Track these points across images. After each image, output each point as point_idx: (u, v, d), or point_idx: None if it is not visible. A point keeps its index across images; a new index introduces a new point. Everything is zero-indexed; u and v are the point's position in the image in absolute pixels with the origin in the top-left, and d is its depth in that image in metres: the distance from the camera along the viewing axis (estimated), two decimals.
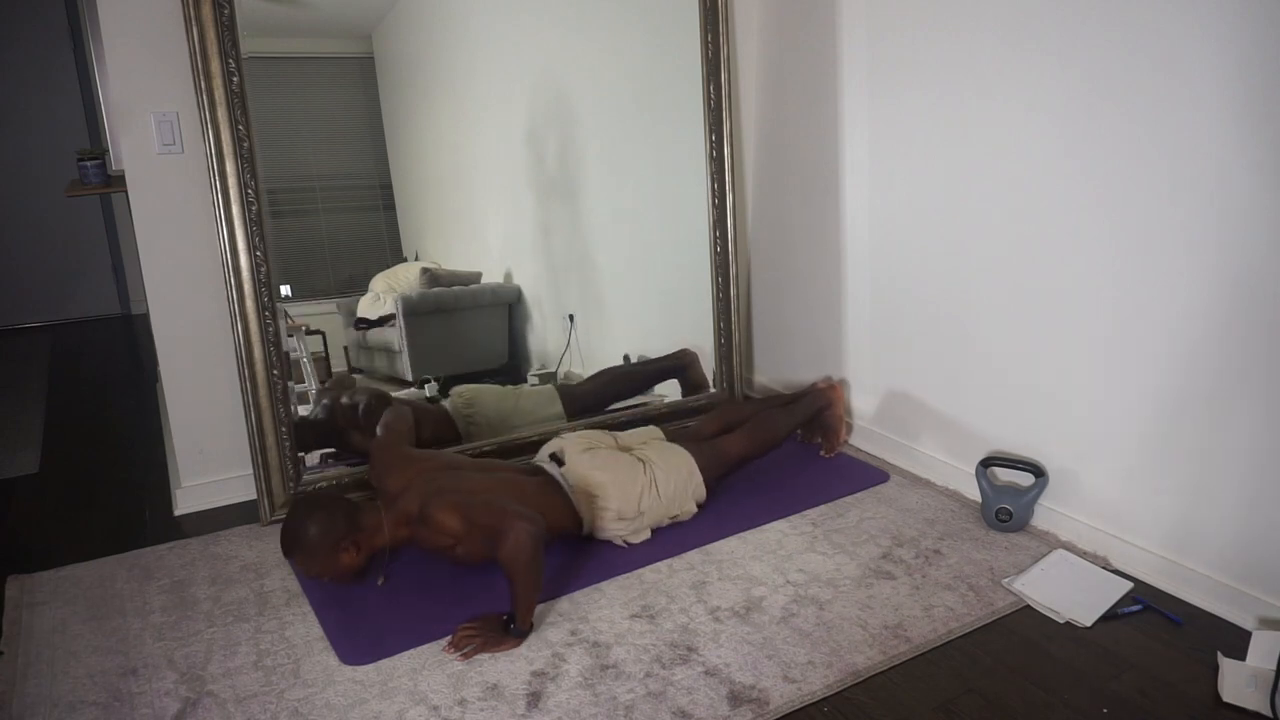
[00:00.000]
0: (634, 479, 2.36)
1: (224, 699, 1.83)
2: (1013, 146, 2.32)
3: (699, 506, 2.49)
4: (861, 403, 2.96)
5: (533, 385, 3.06)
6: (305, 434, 2.61)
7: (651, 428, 2.66)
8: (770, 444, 2.66)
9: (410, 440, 2.40)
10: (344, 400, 2.74)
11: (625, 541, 2.37)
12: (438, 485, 2.14)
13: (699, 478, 2.46)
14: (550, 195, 3.09)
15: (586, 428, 2.76)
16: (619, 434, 2.57)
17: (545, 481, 2.33)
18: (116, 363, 4.40)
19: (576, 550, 2.35)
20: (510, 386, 3.01)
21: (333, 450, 2.71)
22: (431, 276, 2.93)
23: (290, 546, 2.10)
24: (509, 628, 1.97)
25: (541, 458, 2.45)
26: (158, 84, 2.39)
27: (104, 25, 2.32)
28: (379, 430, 2.40)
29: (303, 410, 2.65)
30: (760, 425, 2.66)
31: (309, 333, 2.75)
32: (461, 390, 2.89)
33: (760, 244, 3.29)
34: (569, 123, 3.05)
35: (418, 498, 2.12)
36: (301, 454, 2.58)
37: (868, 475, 2.76)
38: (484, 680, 1.86)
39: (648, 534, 2.40)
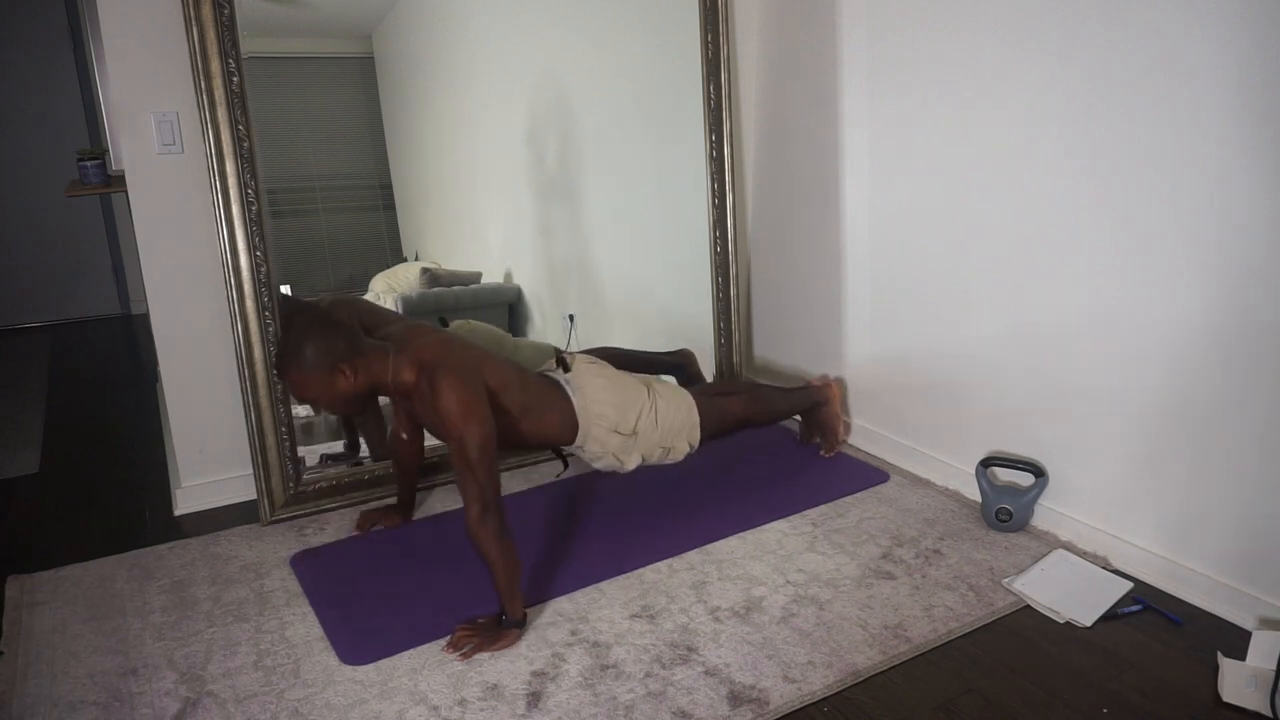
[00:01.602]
0: (636, 398, 2.34)
1: (224, 699, 1.83)
2: (1013, 147, 2.32)
3: (692, 449, 2.46)
4: (861, 402, 2.96)
5: (532, 340, 3.05)
6: (287, 308, 2.52)
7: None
8: (765, 414, 2.67)
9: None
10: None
11: (617, 460, 2.32)
12: (465, 356, 2.06)
13: (697, 419, 2.44)
14: (550, 195, 3.09)
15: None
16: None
17: (548, 381, 2.30)
18: (116, 363, 4.40)
19: (577, 550, 2.35)
20: (509, 335, 3.01)
21: (334, 453, 2.71)
22: (431, 276, 2.93)
23: (287, 365, 1.98)
24: (503, 622, 1.97)
25: (547, 366, 2.40)
26: (158, 84, 2.39)
27: (104, 25, 2.32)
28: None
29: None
30: (758, 395, 2.68)
31: None
32: (462, 322, 2.88)
33: (760, 244, 3.29)
34: (569, 123, 3.05)
35: (436, 350, 2.04)
36: (300, 454, 2.58)
37: (868, 475, 2.76)
38: (484, 680, 1.86)
39: (639, 459, 2.36)
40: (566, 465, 2.57)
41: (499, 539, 1.92)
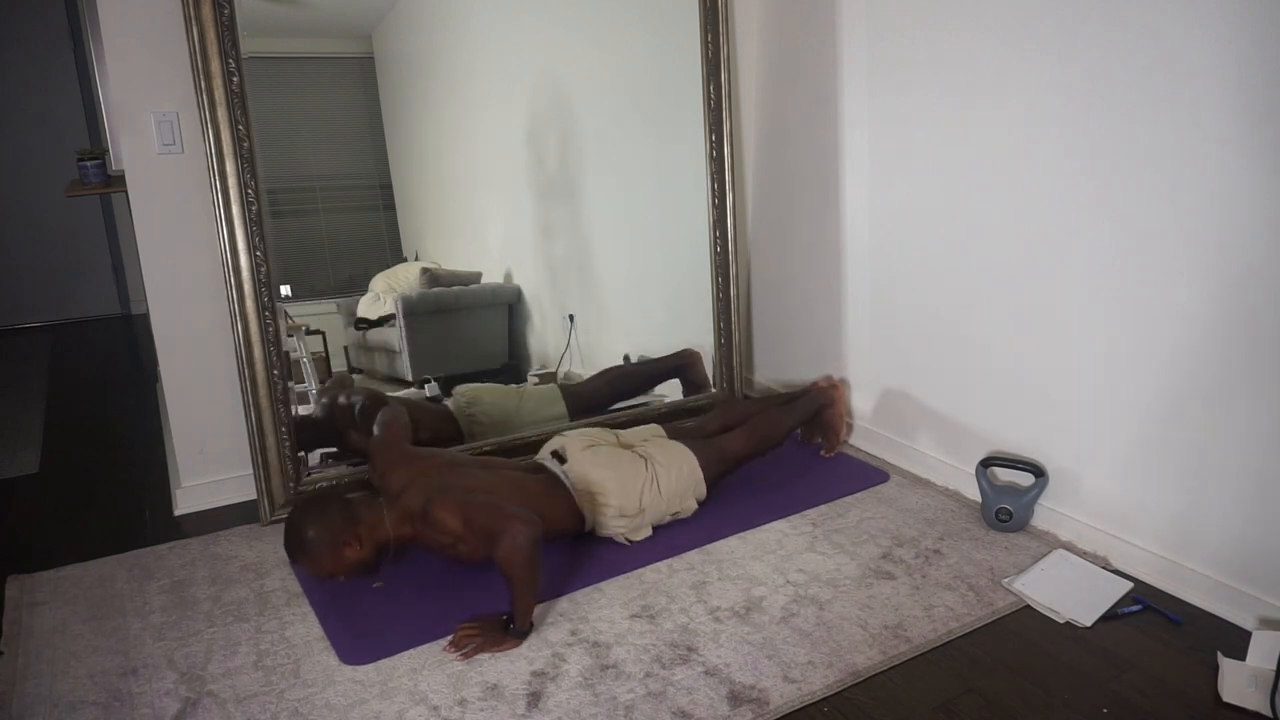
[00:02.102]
0: (635, 476, 2.36)
1: (224, 699, 1.83)
2: (1013, 146, 2.32)
3: (699, 503, 2.49)
4: (861, 402, 2.96)
5: (534, 385, 3.06)
6: (304, 432, 2.61)
7: (653, 425, 2.66)
8: (771, 442, 2.66)
9: (408, 439, 2.40)
10: (342, 400, 2.74)
11: (627, 539, 2.37)
12: (440, 483, 2.14)
13: (700, 475, 2.46)
14: (550, 195, 3.09)
15: (588, 426, 2.76)
16: (620, 432, 2.57)
17: (548, 479, 2.33)
18: (116, 363, 4.40)
19: (576, 550, 2.35)
20: (513, 386, 3.02)
21: (333, 450, 2.71)
22: (431, 276, 2.93)
23: (295, 551, 2.10)
24: (508, 628, 1.97)
25: (543, 455, 2.45)
26: (158, 84, 2.39)
27: (104, 25, 2.32)
28: (376, 429, 2.40)
29: (303, 410, 2.65)
30: (761, 424, 2.66)
31: (309, 333, 2.75)
32: (464, 389, 2.89)
33: (760, 244, 3.29)
34: (569, 123, 3.05)
35: (420, 495, 2.11)
36: (301, 453, 2.58)
37: (868, 475, 2.76)
38: (484, 680, 1.86)
39: (649, 531, 2.40)
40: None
41: (530, 565, 1.96)
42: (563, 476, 2.33)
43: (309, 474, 2.61)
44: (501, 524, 1.98)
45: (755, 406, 2.80)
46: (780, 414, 2.73)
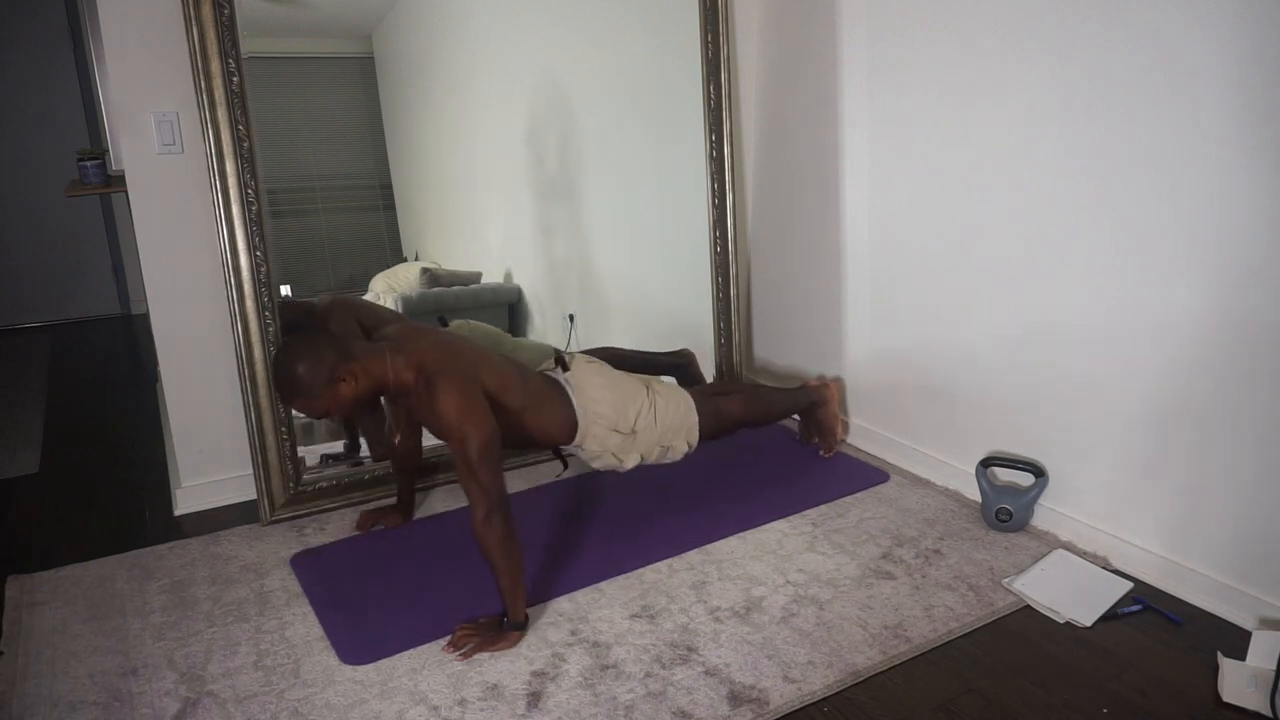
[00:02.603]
0: (634, 396, 2.35)
1: (224, 699, 1.83)
2: (1013, 146, 2.32)
3: (690, 449, 2.47)
4: (861, 402, 2.96)
5: (532, 340, 3.05)
6: (286, 313, 2.53)
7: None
8: (764, 414, 2.68)
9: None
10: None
11: (616, 459, 2.32)
12: (463, 358, 2.05)
13: (695, 419, 2.44)
14: (550, 195, 3.09)
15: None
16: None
17: (551, 381, 2.31)
18: (116, 363, 4.40)
19: (577, 550, 2.35)
20: (508, 335, 3.01)
21: (334, 452, 2.71)
22: (431, 276, 2.93)
23: (287, 393, 1.97)
24: (504, 624, 1.97)
25: (546, 365, 2.40)
26: (158, 84, 2.39)
27: (104, 25, 2.32)
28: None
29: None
30: (755, 395, 2.69)
31: None
32: (462, 322, 2.88)
33: (760, 244, 3.29)
34: (569, 123, 3.05)
35: (434, 353, 2.02)
36: (301, 454, 2.58)
37: (868, 475, 2.76)
38: (484, 680, 1.86)
39: (637, 459, 2.36)
40: (566, 465, 2.56)
41: (504, 541, 1.92)
42: (564, 383, 2.31)
43: (309, 473, 2.61)
44: (481, 478, 1.91)
45: (749, 383, 2.80)
46: (776, 393, 2.76)
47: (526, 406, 2.18)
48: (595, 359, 2.47)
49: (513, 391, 2.16)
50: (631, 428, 2.33)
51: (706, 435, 2.50)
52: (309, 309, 2.64)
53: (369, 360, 2.00)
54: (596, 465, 2.36)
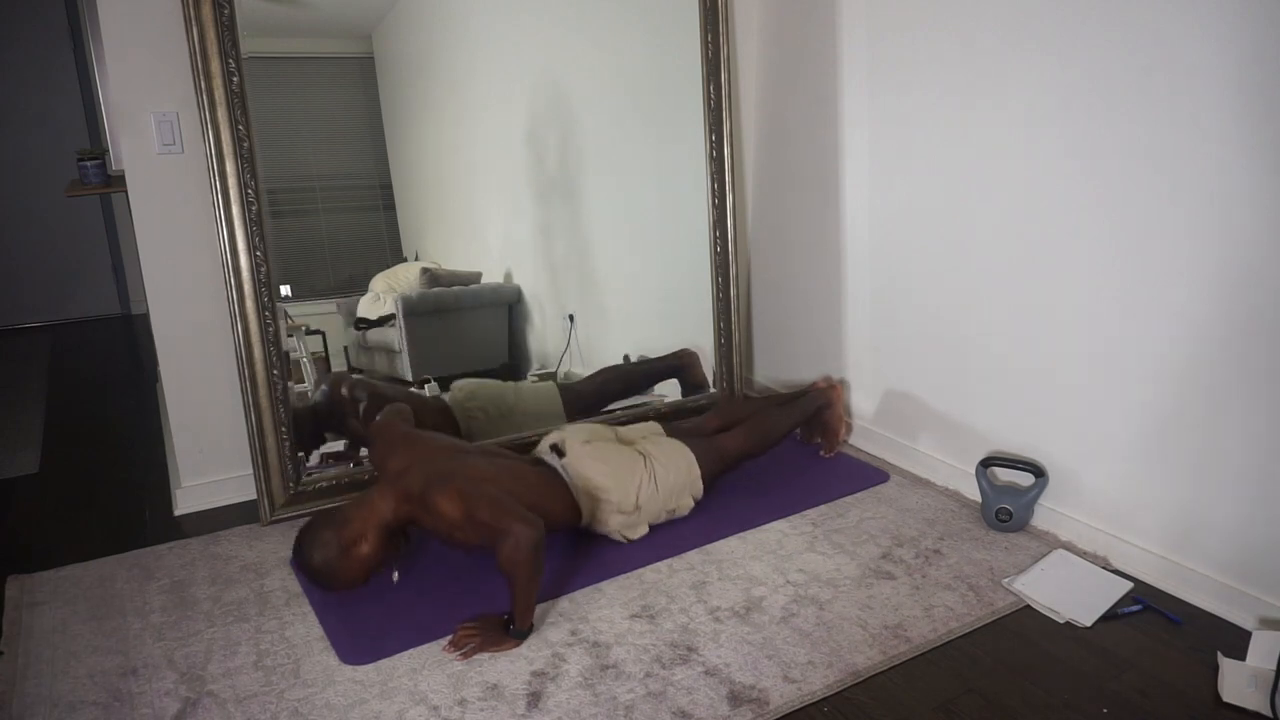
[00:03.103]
0: (633, 472, 2.36)
1: (224, 699, 1.83)
2: (1013, 147, 2.32)
3: (696, 502, 2.49)
4: (861, 403, 2.97)
5: (532, 382, 3.07)
6: (303, 420, 2.58)
7: (652, 423, 2.66)
8: (769, 442, 2.66)
9: (410, 425, 2.39)
10: (344, 391, 2.73)
11: (624, 537, 2.37)
12: (442, 468, 2.11)
13: (697, 472, 2.46)
14: (550, 195, 3.09)
15: (586, 423, 2.75)
16: (619, 429, 2.57)
17: (547, 472, 2.33)
18: (116, 363, 4.40)
19: (576, 550, 2.35)
20: (510, 383, 3.02)
21: (334, 451, 2.71)
22: (431, 276, 2.93)
23: (318, 581, 2.07)
24: (509, 628, 1.97)
25: (542, 449, 2.45)
26: (158, 84, 2.39)
27: (104, 25, 2.32)
28: (380, 416, 2.39)
29: (302, 392, 2.64)
30: (759, 423, 2.66)
31: (309, 333, 2.75)
32: (462, 385, 2.89)
33: (760, 244, 3.29)
34: (569, 123, 3.05)
35: (421, 477, 2.08)
36: (301, 454, 2.58)
37: (868, 475, 2.76)
38: (484, 680, 1.86)
39: (645, 529, 2.40)
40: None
41: (530, 565, 1.95)
42: (561, 470, 2.33)
43: (309, 474, 2.61)
44: (503, 523, 1.97)
45: (754, 406, 2.80)
46: (779, 414, 2.73)
47: (524, 505, 2.14)
48: (591, 434, 2.46)
49: (514, 497, 2.14)
50: (635, 504, 2.35)
51: (711, 479, 2.52)
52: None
53: (360, 514, 2.07)
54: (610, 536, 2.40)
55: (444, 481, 2.06)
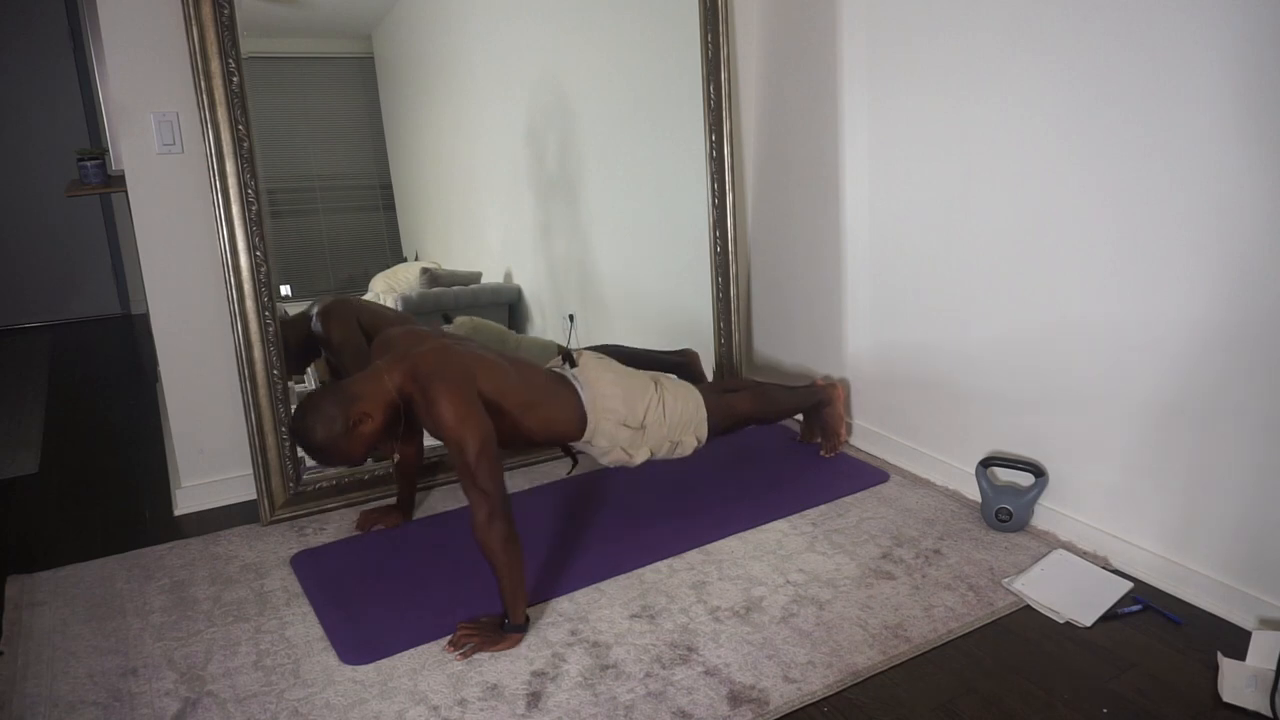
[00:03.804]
0: (643, 391, 2.35)
1: (224, 699, 1.83)
2: (1012, 147, 2.32)
3: (699, 444, 2.47)
4: (861, 402, 2.97)
5: (534, 337, 3.05)
6: (290, 341, 2.54)
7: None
8: (771, 411, 2.69)
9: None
10: (344, 307, 2.67)
11: (625, 454, 2.32)
12: (458, 362, 2.06)
13: (704, 414, 2.45)
14: (550, 195, 3.09)
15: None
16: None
17: (558, 377, 2.31)
18: (116, 363, 4.40)
19: (577, 550, 2.35)
20: (512, 331, 3.01)
21: None
22: (431, 276, 2.94)
23: (322, 459, 2.03)
24: (505, 625, 1.97)
25: (554, 361, 2.42)
26: (158, 84, 2.39)
27: (104, 25, 2.32)
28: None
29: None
30: (764, 391, 2.70)
31: None
32: (464, 320, 2.87)
33: (760, 244, 3.29)
34: (569, 122, 3.05)
35: (427, 360, 2.04)
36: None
37: (868, 475, 2.76)
38: (484, 680, 1.86)
39: (647, 453, 2.36)
40: (575, 463, 2.54)
41: (505, 543, 1.92)
42: (572, 378, 2.31)
43: (309, 473, 2.61)
44: (479, 481, 1.91)
45: (754, 380, 2.82)
46: (782, 390, 2.77)
47: (531, 404, 2.18)
48: (602, 355, 2.47)
49: (513, 392, 2.15)
50: (641, 422, 2.33)
51: (715, 431, 2.50)
52: (308, 323, 2.63)
53: (370, 390, 2.04)
54: (605, 461, 2.36)
55: (453, 380, 2.00)
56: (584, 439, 2.31)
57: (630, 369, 2.42)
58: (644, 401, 2.34)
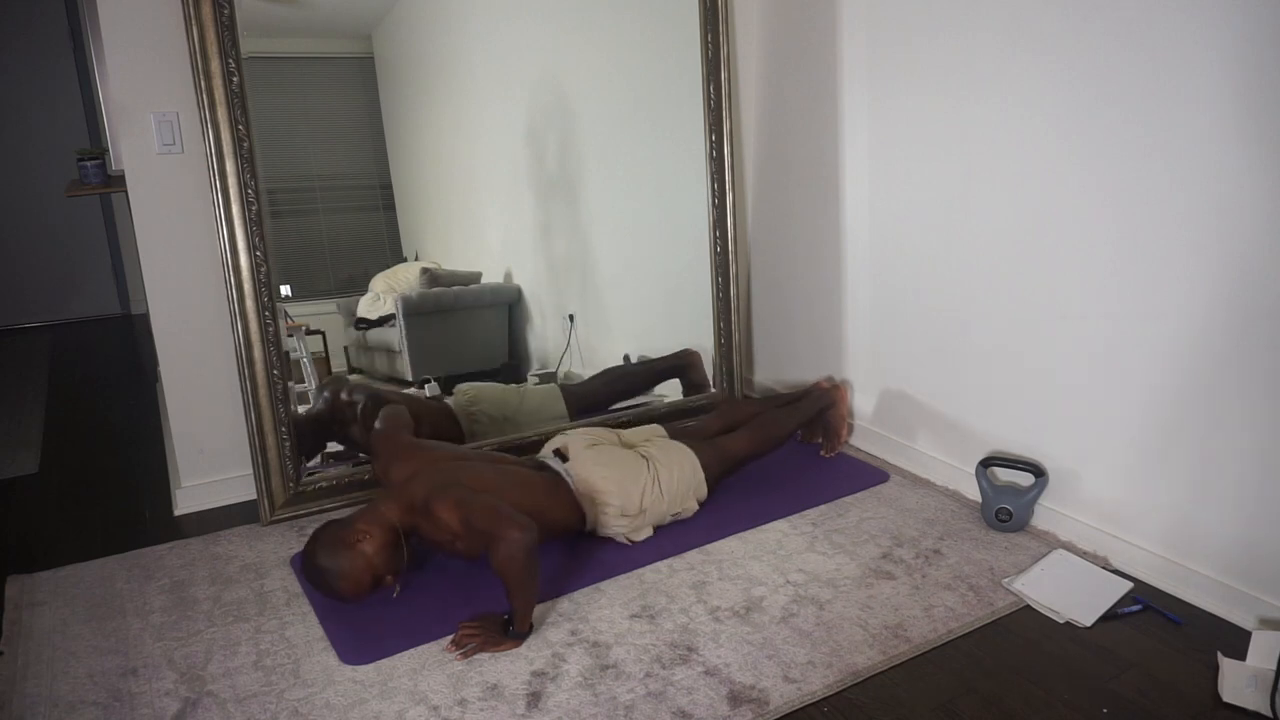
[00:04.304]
0: (637, 476, 2.36)
1: (224, 699, 1.83)
2: (1012, 147, 2.32)
3: (700, 504, 2.49)
4: (861, 403, 2.96)
5: (534, 385, 3.07)
6: (304, 429, 2.60)
7: (655, 425, 2.66)
8: (773, 443, 2.67)
9: (411, 433, 2.40)
10: (344, 396, 2.74)
11: (628, 539, 2.37)
12: (443, 477, 2.13)
13: (701, 475, 2.46)
14: (550, 195, 3.09)
15: (590, 426, 2.76)
16: (622, 431, 2.58)
17: (550, 477, 2.33)
18: (116, 363, 4.40)
19: (576, 550, 2.35)
20: (513, 385, 3.02)
21: (335, 451, 2.71)
22: (431, 276, 2.94)
23: (327, 589, 2.05)
24: (508, 629, 1.97)
25: (545, 454, 2.45)
26: (158, 84, 2.39)
27: (104, 25, 2.32)
28: (379, 423, 2.40)
29: (303, 408, 2.65)
30: (763, 424, 2.66)
31: (309, 333, 2.75)
32: (465, 388, 2.89)
33: (760, 244, 3.29)
34: (569, 122, 3.05)
35: (424, 486, 2.10)
36: (303, 457, 2.58)
37: (868, 475, 2.76)
38: (484, 680, 1.86)
39: (649, 531, 2.40)
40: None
41: (525, 569, 1.95)
42: (565, 475, 2.33)
43: (309, 473, 2.61)
44: (498, 528, 1.97)
45: (757, 407, 2.79)
46: (782, 415, 2.73)
47: (528, 509, 2.14)
48: (592, 433, 2.48)
49: (509, 501, 2.13)
50: (639, 508, 2.35)
51: (714, 482, 2.52)
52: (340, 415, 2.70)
53: (366, 515, 2.09)
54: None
55: (444, 490, 2.08)
56: (587, 529, 2.36)
57: (622, 453, 2.41)
58: (638, 488, 2.35)
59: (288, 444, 2.54)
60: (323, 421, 2.69)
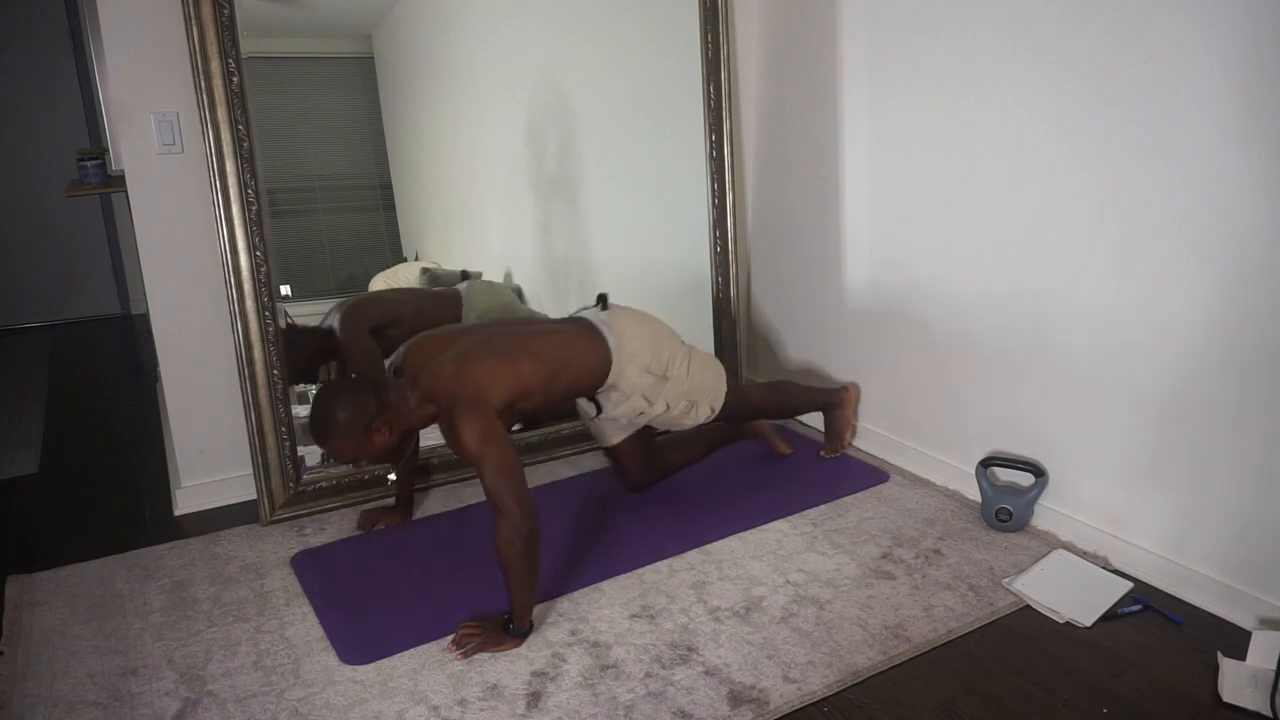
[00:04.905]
0: (670, 341, 2.39)
1: (224, 699, 1.83)
2: (1012, 147, 2.32)
3: (712, 414, 2.48)
4: (862, 402, 2.96)
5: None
6: (301, 343, 2.54)
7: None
8: (784, 407, 2.78)
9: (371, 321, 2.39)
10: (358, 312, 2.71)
11: (642, 405, 2.33)
12: (471, 380, 2.05)
13: (724, 387, 2.49)
14: (550, 195, 3.09)
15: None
16: None
17: (583, 326, 2.32)
18: (116, 363, 4.40)
19: (577, 550, 2.35)
20: (522, 305, 3.01)
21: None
22: (431, 276, 2.93)
23: (323, 434, 2.02)
24: (509, 628, 1.97)
25: (585, 308, 2.44)
26: (158, 84, 2.39)
27: (104, 25, 2.32)
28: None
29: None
30: (779, 387, 2.78)
31: None
32: (478, 281, 2.89)
33: (760, 244, 3.29)
34: (569, 122, 3.05)
35: (446, 383, 2.03)
36: (301, 456, 2.58)
37: (868, 475, 2.76)
38: (484, 680, 1.86)
39: (663, 406, 2.37)
40: (600, 410, 2.42)
41: (524, 559, 1.92)
42: (600, 324, 2.31)
43: (309, 473, 2.61)
44: (497, 499, 1.91)
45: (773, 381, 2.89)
46: (796, 387, 2.82)
47: (553, 375, 2.16)
48: (644, 312, 2.48)
49: (532, 376, 2.14)
50: (665, 371, 2.35)
51: (728, 409, 2.53)
52: (323, 335, 2.64)
53: (401, 407, 2.04)
54: (619, 412, 2.36)
55: (470, 403, 1.99)
56: (608, 383, 2.31)
57: (661, 321, 2.43)
58: (669, 351, 2.37)
59: (288, 444, 2.54)
60: (325, 345, 2.63)
